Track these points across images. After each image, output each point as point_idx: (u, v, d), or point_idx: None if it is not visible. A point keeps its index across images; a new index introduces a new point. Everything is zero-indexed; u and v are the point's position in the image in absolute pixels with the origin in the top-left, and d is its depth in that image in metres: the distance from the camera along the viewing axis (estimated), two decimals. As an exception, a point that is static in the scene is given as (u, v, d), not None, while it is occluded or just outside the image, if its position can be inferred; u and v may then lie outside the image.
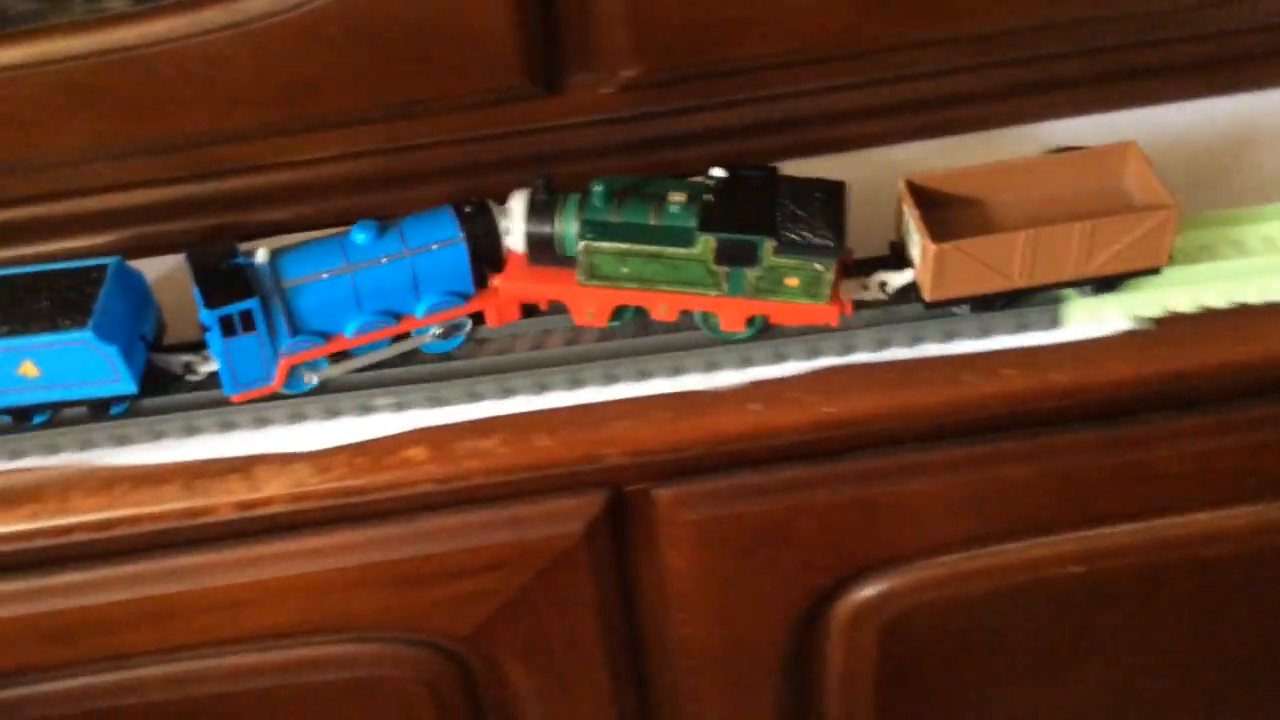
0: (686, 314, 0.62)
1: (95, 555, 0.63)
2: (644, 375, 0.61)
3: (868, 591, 0.72)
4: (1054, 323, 0.61)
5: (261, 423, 0.61)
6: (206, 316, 0.57)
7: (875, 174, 0.67)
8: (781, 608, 0.73)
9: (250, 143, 0.71)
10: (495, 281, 0.62)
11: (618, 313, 0.62)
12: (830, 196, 0.59)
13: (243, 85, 0.67)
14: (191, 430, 0.61)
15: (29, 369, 0.58)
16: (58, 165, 0.70)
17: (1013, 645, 0.78)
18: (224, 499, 0.60)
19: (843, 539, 0.69)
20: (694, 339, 0.61)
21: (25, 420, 0.60)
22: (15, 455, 0.60)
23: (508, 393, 0.61)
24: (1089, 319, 0.61)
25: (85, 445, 0.61)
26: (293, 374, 0.60)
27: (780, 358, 0.61)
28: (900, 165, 0.66)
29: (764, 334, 0.61)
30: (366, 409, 0.61)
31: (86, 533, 0.61)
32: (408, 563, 0.66)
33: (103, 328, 0.57)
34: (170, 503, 0.60)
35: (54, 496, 0.60)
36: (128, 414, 0.61)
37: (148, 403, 0.61)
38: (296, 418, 0.61)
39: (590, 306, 0.61)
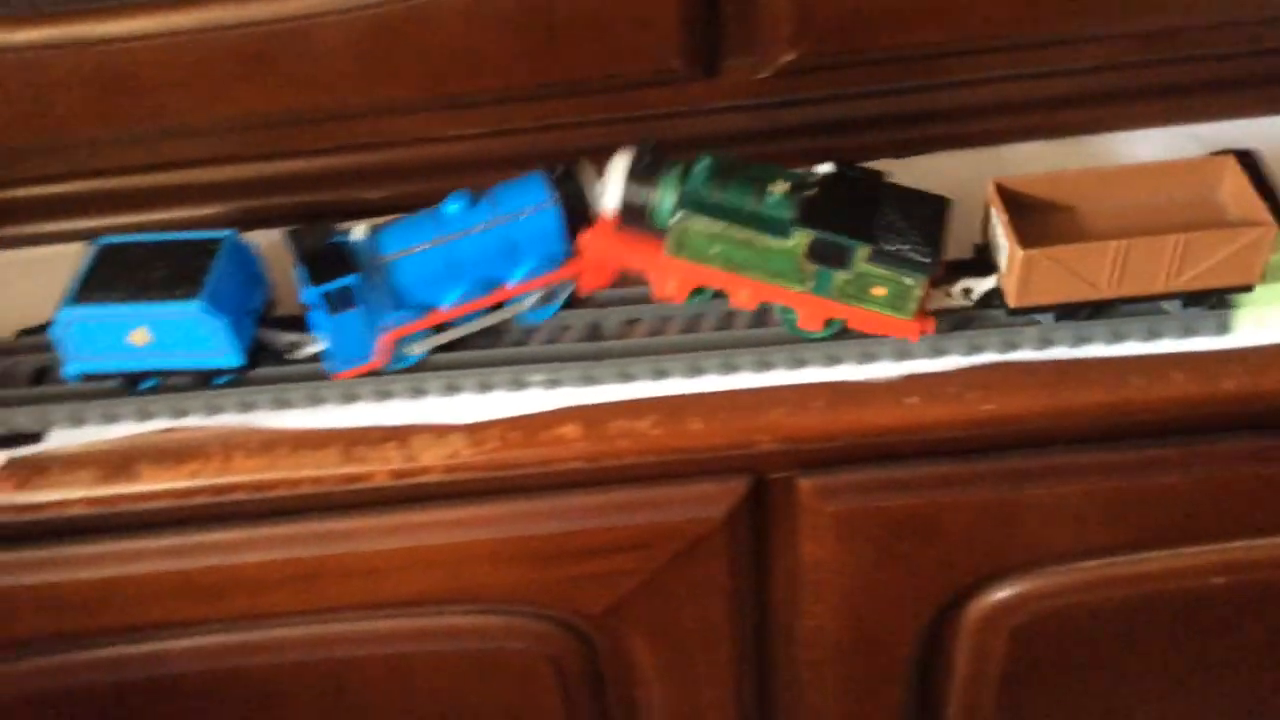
0: (766, 306, 0.61)
1: (248, 515, 0.65)
2: (799, 363, 0.61)
3: (1003, 593, 0.71)
4: (1223, 328, 0.59)
5: (417, 393, 0.61)
6: (310, 294, 0.58)
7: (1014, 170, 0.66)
8: (915, 605, 0.72)
9: (401, 118, 0.72)
10: (580, 241, 0.61)
11: (697, 292, 0.61)
12: (934, 212, 0.58)
13: (404, 60, 0.68)
14: (350, 398, 0.61)
15: (141, 335, 0.59)
16: (205, 133, 0.71)
17: (1144, 655, 0.77)
18: (380, 466, 0.61)
19: (985, 539, 0.68)
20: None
21: (132, 386, 0.62)
22: (179, 414, 0.62)
23: (660, 374, 0.61)
24: (1258, 325, 0.59)
25: (246, 407, 0.62)
26: (395, 349, 0.60)
27: (938, 352, 0.60)
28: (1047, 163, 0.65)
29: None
30: (520, 384, 0.61)
31: (245, 492, 0.62)
32: (547, 539, 0.66)
33: (214, 299, 0.58)
34: (328, 467, 0.61)
35: (216, 455, 0.62)
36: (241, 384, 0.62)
37: (256, 373, 0.62)
38: (452, 389, 0.61)
39: (673, 281, 0.60)
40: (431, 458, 0.61)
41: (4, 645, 0.70)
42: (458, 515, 0.65)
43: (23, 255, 0.73)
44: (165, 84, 0.68)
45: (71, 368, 0.60)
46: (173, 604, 0.68)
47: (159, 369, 0.60)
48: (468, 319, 0.62)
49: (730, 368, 0.61)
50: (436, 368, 0.61)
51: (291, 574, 0.67)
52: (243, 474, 0.62)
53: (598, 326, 0.63)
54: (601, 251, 0.61)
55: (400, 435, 0.61)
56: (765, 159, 0.71)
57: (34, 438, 0.62)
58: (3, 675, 0.72)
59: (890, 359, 0.61)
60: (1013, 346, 0.60)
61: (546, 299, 0.63)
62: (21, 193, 0.72)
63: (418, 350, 0.61)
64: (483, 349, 0.62)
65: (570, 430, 0.61)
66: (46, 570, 0.66)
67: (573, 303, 0.64)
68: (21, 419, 0.61)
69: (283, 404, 0.62)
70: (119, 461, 0.62)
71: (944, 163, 0.71)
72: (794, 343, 0.61)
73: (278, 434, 0.62)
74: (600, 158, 0.73)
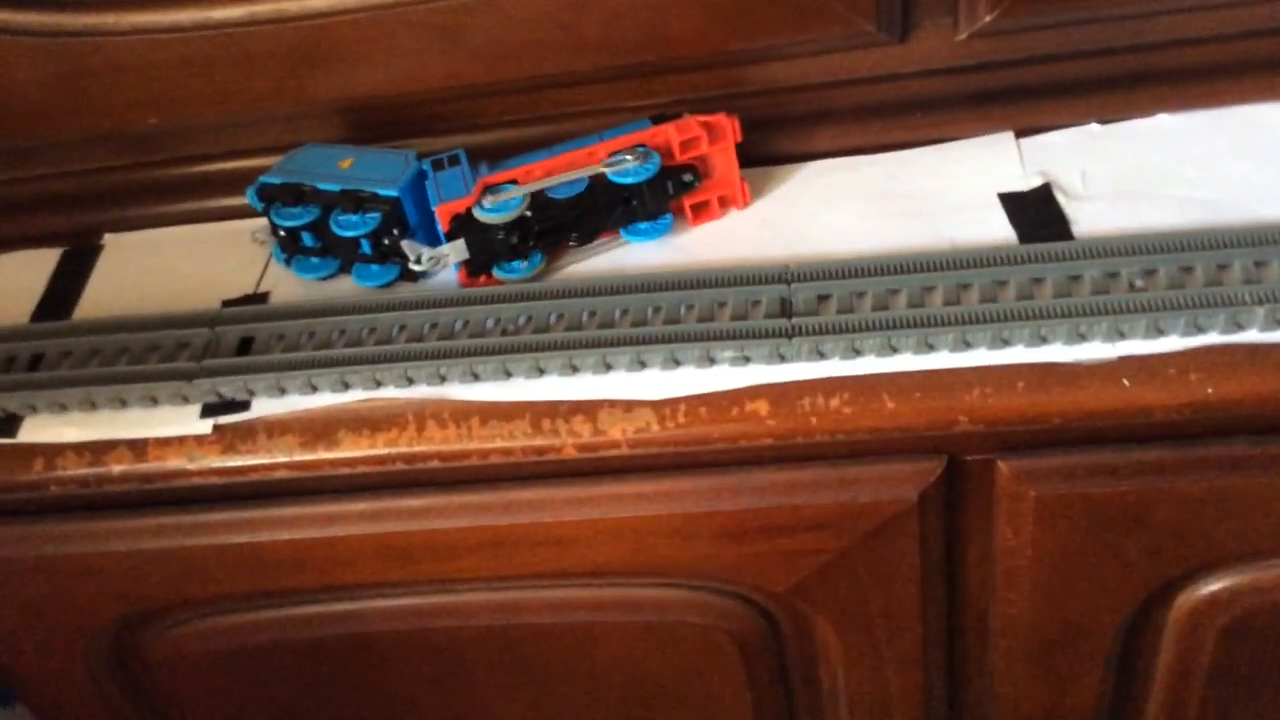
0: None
1: (439, 483, 0.66)
2: (1002, 343, 0.58)
3: (1214, 586, 0.67)
4: None
5: (605, 368, 0.61)
6: (425, 162, 0.67)
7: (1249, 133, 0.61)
8: (1119, 595, 0.68)
9: (587, 88, 0.71)
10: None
11: None
12: None
13: (591, 29, 0.67)
14: (538, 371, 0.62)
15: (348, 162, 0.68)
16: (393, 107, 0.72)
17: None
18: (569, 439, 0.61)
19: (1197, 529, 0.64)
20: (1057, 306, 0.58)
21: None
22: (375, 385, 0.63)
23: (854, 353, 0.59)
24: None
25: (438, 379, 0.63)
26: (486, 194, 0.65)
27: (1157, 332, 0.56)
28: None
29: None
30: (709, 360, 0.60)
31: (438, 461, 0.63)
32: (733, 515, 0.65)
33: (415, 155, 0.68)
34: (518, 438, 0.62)
35: (411, 424, 0.63)
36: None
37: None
38: (637, 365, 0.61)
39: None
40: (619, 431, 0.61)
41: (207, 600, 0.73)
42: (643, 489, 0.65)
43: (217, 229, 0.75)
44: (357, 58, 0.69)
45: (274, 177, 0.68)
46: (366, 566, 0.70)
47: (342, 189, 0.66)
48: (566, 189, 0.65)
49: (927, 346, 0.58)
50: (622, 342, 0.61)
51: (480, 541, 0.68)
52: (436, 443, 0.63)
53: (788, 302, 0.61)
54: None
55: (588, 409, 0.61)
56: (962, 126, 0.68)
57: (241, 405, 0.64)
58: (205, 629, 0.75)
59: (1103, 339, 0.57)
60: (1238, 327, 0.56)
61: (637, 159, 0.64)
62: (215, 167, 0.75)
63: (502, 200, 0.64)
64: (670, 324, 0.61)
65: (760, 407, 0.60)
66: (248, 530, 0.68)
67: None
68: (227, 388, 0.63)
69: (473, 376, 0.62)
70: (320, 429, 0.63)
71: (1166, 125, 0.67)
72: (996, 321, 0.58)
73: (469, 405, 0.62)
74: (791, 127, 0.71)
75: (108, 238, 0.77)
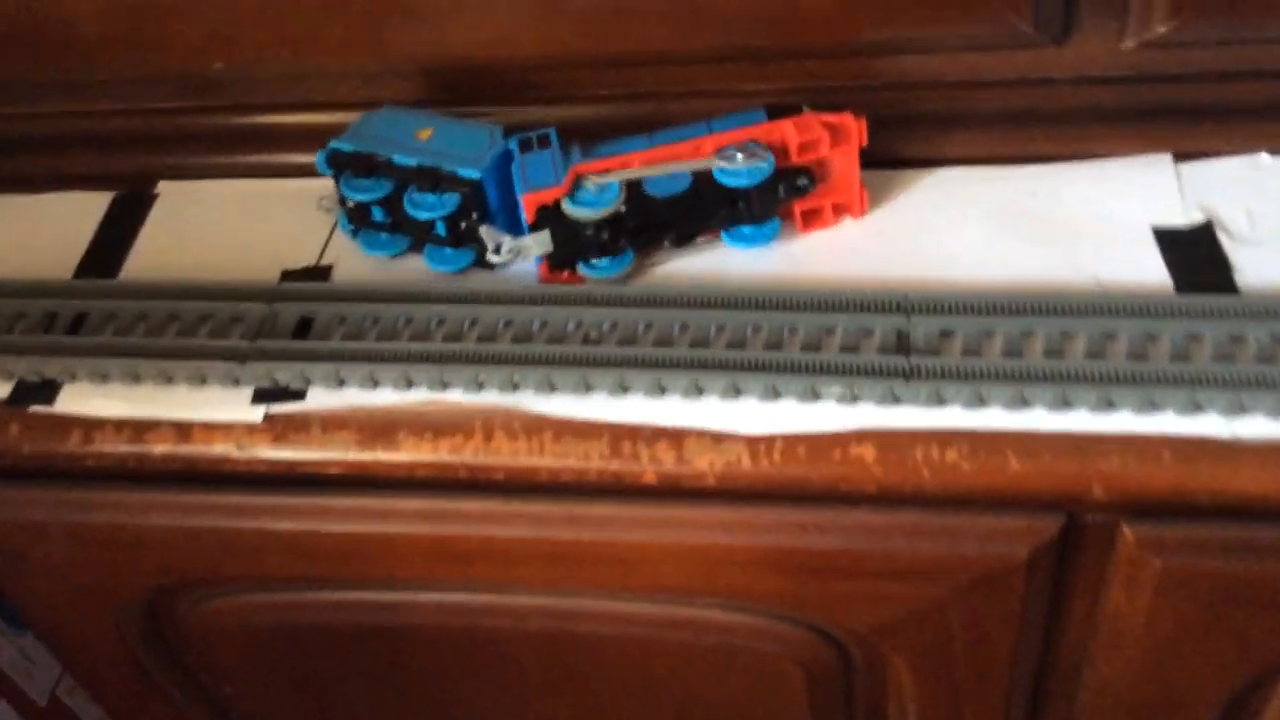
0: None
1: (502, 489, 0.60)
2: (1151, 406, 0.51)
3: (1335, 670, 0.61)
4: None
5: (696, 392, 0.55)
6: (512, 140, 0.60)
7: None
8: (1229, 672, 0.62)
9: (702, 66, 0.64)
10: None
11: None
12: None
13: (713, 3, 0.60)
14: (623, 388, 0.56)
15: (426, 133, 0.61)
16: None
17: None
18: (650, 466, 0.56)
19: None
20: (1217, 373, 0.51)
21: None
22: (442, 386, 0.57)
23: (978, 402, 0.53)
24: None
25: (511, 386, 0.57)
26: (578, 184, 0.58)
27: (1333, 414, 0.49)
28: None
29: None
30: (814, 395, 0.54)
31: (504, 475, 0.58)
32: (821, 554, 0.60)
33: (502, 132, 0.61)
34: (594, 460, 0.56)
35: (478, 433, 0.57)
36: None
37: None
38: (732, 392, 0.55)
39: None
40: (706, 463, 0.55)
41: (247, 579, 0.69)
42: (725, 516, 0.60)
43: (281, 187, 0.70)
44: (443, 14, 0.64)
45: (346, 143, 0.62)
46: (418, 564, 0.66)
47: (419, 165, 0.60)
48: (668, 185, 0.59)
49: (1064, 403, 0.52)
50: (717, 366, 0.55)
51: (542, 553, 0.63)
52: (503, 455, 0.57)
53: (906, 337, 0.55)
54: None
55: (674, 436, 0.56)
56: (1115, 143, 0.61)
57: (296, 394, 0.59)
58: (243, 604, 0.71)
59: (1268, 414, 0.50)
60: None
61: (749, 157, 0.57)
62: (282, 119, 0.70)
63: (598, 190, 0.58)
64: (771, 349, 0.55)
65: (866, 452, 0.54)
66: (296, 518, 0.63)
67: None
68: (283, 374, 0.58)
69: (550, 387, 0.56)
70: (379, 428, 0.58)
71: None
72: (1146, 383, 0.51)
73: (542, 418, 0.57)
74: (922, 128, 0.64)
75: (162, 185, 0.72)
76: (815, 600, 0.63)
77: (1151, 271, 0.57)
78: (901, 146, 0.64)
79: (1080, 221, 0.59)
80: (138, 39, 0.67)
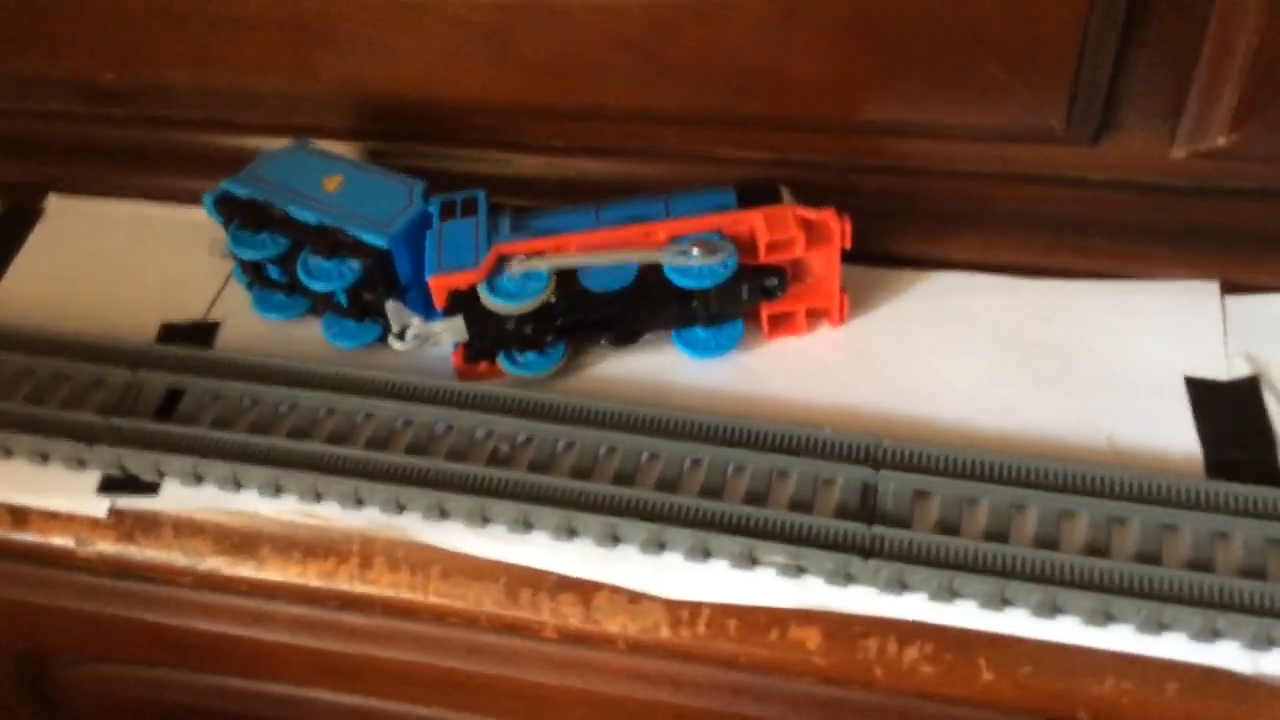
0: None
1: (396, 613, 0.51)
2: (1159, 626, 0.41)
3: None
4: None
5: (612, 541, 0.46)
6: (432, 203, 0.51)
7: None
8: None
9: (662, 127, 0.54)
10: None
11: None
12: None
13: (685, 62, 0.51)
14: (526, 525, 0.46)
15: (334, 183, 0.52)
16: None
17: None
18: (551, 619, 0.47)
19: None
20: (1245, 591, 0.41)
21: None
22: (315, 498, 0.48)
23: (949, 594, 0.43)
24: None
25: (395, 507, 0.48)
26: (500, 268, 0.48)
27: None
28: None
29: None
30: (750, 560, 0.45)
31: (382, 611, 0.49)
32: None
33: (423, 190, 0.52)
34: (486, 605, 0.48)
35: (353, 558, 0.48)
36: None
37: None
38: (654, 546, 0.45)
39: None
40: (618, 625, 0.46)
41: (111, 658, 0.60)
42: (644, 666, 0.50)
43: (179, 216, 0.61)
44: (373, 44, 0.55)
45: (239, 187, 0.53)
46: (300, 673, 0.57)
47: (319, 223, 0.51)
48: (609, 280, 0.49)
49: (1053, 609, 0.42)
50: (640, 511, 0.45)
51: (440, 680, 0.55)
52: (382, 587, 0.48)
53: (872, 493, 0.45)
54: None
55: (582, 589, 0.46)
56: (1152, 263, 0.51)
57: (148, 487, 0.50)
58: (114, 675, 0.63)
59: (1299, 655, 0.40)
60: None
61: (709, 254, 0.47)
62: (189, 137, 0.61)
63: (520, 271, 0.48)
64: (708, 493, 0.46)
65: (808, 637, 0.45)
66: (155, 610, 0.55)
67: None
68: (134, 462, 0.49)
69: (440, 513, 0.47)
70: (239, 540, 0.49)
71: None
72: (1155, 596, 0.41)
73: (430, 550, 0.48)
74: (923, 222, 0.54)
75: (51, 200, 0.62)
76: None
77: (1179, 435, 0.47)
78: (897, 241, 0.54)
79: (1100, 359, 0.49)
80: (25, 36, 0.57)
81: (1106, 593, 0.42)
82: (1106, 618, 0.42)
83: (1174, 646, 0.42)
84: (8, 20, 0.57)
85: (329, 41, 0.54)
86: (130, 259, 0.59)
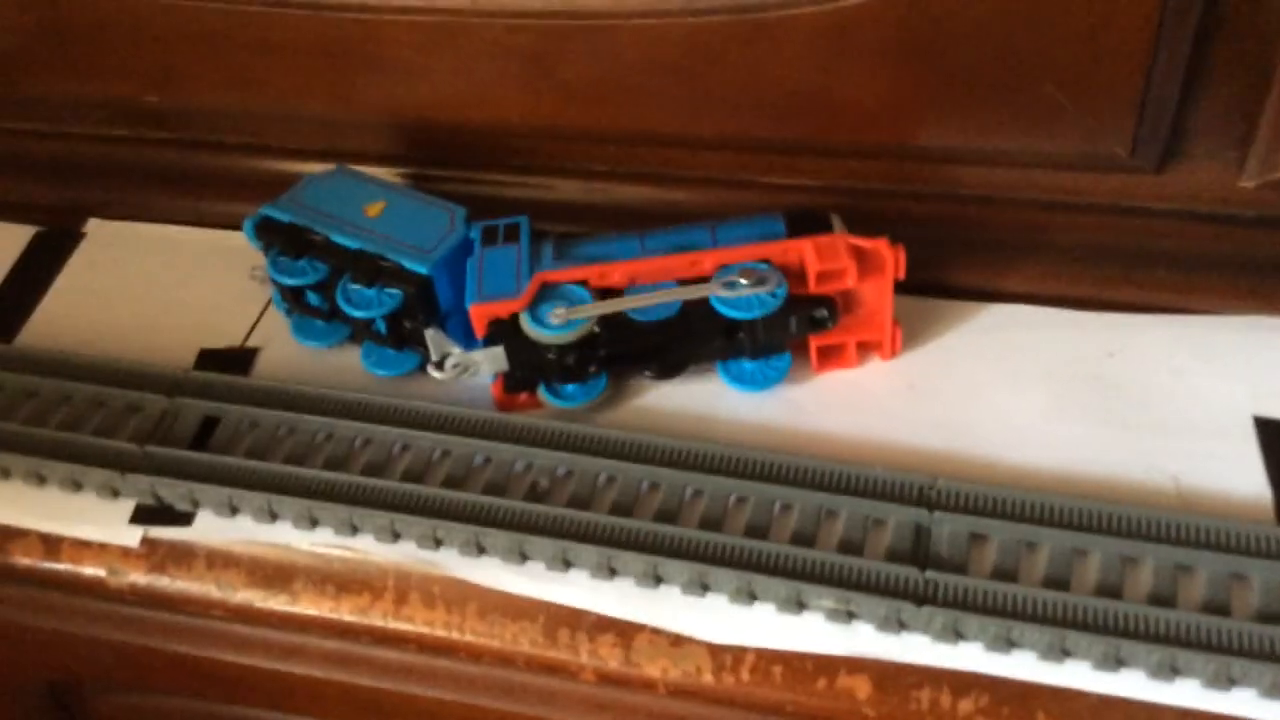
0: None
1: (431, 650, 0.50)
2: (1228, 682, 0.39)
3: None
4: None
5: (654, 581, 0.44)
6: (474, 229, 0.50)
7: None
8: None
9: (706, 153, 0.53)
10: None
11: None
12: None
13: (731, 90, 0.49)
14: (565, 563, 0.45)
15: (376, 208, 0.51)
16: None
17: None
18: (590, 661, 0.45)
19: None
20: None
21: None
22: (350, 531, 0.47)
23: (1006, 644, 0.41)
24: None
25: (432, 543, 0.46)
26: (543, 295, 0.47)
27: None
28: None
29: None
30: (798, 605, 0.43)
31: (416, 647, 0.47)
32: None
33: (465, 216, 0.51)
34: (523, 645, 0.46)
35: (388, 593, 0.47)
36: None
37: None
38: (698, 588, 0.44)
39: None
40: (659, 669, 0.45)
41: (150, 689, 0.59)
42: (684, 713, 0.49)
43: (219, 240, 0.60)
44: (413, 68, 0.54)
45: (279, 212, 0.52)
46: (333, 707, 0.56)
47: (360, 249, 0.50)
48: (653, 312, 0.47)
49: (1115, 662, 0.40)
50: (684, 551, 0.44)
51: (476, 715, 0.53)
52: (416, 624, 0.47)
53: (925, 536, 0.43)
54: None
55: (623, 630, 0.45)
56: (1218, 297, 0.49)
57: (182, 518, 0.49)
58: (147, 705, 0.62)
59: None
60: None
61: (756, 283, 0.45)
62: (229, 161, 0.61)
63: (564, 316, 0.47)
64: (754, 533, 0.44)
65: (858, 685, 0.43)
66: (186, 641, 0.54)
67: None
68: (168, 491, 0.48)
69: (478, 549, 0.46)
70: (273, 572, 0.48)
71: None
72: (1222, 650, 0.39)
73: (466, 586, 0.46)
74: (980, 253, 0.52)
75: (91, 224, 0.62)
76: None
77: (1247, 478, 0.45)
78: (952, 272, 0.52)
79: (1164, 397, 0.47)
80: (65, 60, 0.57)
81: (1172, 645, 0.40)
82: (1172, 671, 0.40)
83: (1241, 702, 0.40)
84: (50, 44, 0.57)
85: (370, 65, 0.53)
86: (169, 284, 0.58)
